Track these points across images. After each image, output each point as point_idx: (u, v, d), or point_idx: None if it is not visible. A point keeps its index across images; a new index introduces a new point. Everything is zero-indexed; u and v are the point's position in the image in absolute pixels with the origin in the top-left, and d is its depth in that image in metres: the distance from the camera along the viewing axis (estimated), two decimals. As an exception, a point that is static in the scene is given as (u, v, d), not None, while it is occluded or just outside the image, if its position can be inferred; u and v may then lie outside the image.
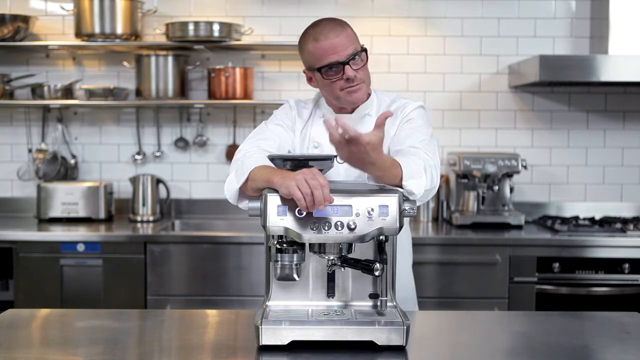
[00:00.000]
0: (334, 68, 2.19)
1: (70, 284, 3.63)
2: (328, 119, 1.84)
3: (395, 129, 2.24)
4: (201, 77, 4.26)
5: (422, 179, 1.97)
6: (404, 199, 1.87)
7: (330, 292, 1.96)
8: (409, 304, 2.38)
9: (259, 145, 2.19)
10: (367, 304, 1.96)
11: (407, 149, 2.09)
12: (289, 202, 1.81)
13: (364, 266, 1.84)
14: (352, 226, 1.80)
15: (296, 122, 2.33)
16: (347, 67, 2.18)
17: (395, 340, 1.82)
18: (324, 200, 1.76)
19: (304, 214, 1.79)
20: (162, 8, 4.19)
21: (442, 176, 3.83)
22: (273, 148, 2.21)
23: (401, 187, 1.93)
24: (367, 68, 2.26)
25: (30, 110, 4.27)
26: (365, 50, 2.24)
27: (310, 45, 2.22)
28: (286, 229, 1.81)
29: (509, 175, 4.00)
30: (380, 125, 1.82)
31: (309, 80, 2.31)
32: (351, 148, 1.80)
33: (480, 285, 3.60)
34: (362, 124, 2.26)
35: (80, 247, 3.62)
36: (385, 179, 1.93)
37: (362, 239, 1.81)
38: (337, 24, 2.23)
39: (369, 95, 2.33)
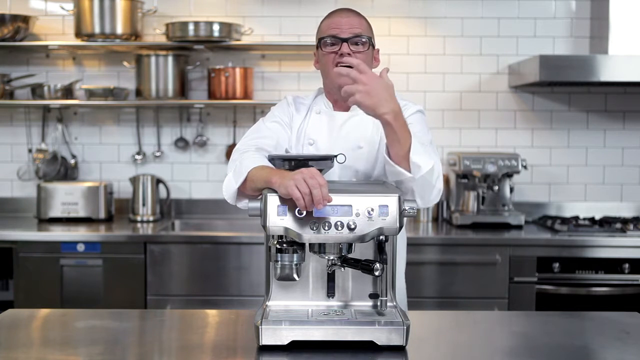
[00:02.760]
0: (333, 42, 2.22)
1: (70, 284, 3.63)
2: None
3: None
4: (201, 77, 4.26)
5: (429, 160, 1.98)
6: (405, 199, 1.87)
7: (330, 292, 1.96)
8: (401, 305, 2.37)
9: (256, 144, 2.18)
10: (367, 304, 1.96)
11: None
12: (288, 202, 1.80)
13: (364, 266, 1.84)
14: (352, 226, 1.80)
15: (294, 118, 2.33)
16: (344, 43, 2.21)
17: (395, 340, 1.82)
18: (322, 200, 1.76)
19: (304, 213, 1.79)
20: (162, 8, 4.18)
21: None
22: (270, 147, 2.20)
23: (408, 160, 1.95)
24: (368, 61, 2.23)
25: (30, 110, 4.27)
26: (371, 41, 2.25)
27: (323, 23, 2.28)
28: (286, 229, 1.81)
29: (509, 175, 4.00)
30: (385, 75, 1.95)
31: (315, 62, 2.33)
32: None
33: (480, 285, 3.59)
34: (359, 121, 2.24)
35: (80, 247, 3.62)
36: (397, 141, 1.95)
37: (362, 239, 1.81)
38: (353, 11, 2.30)
39: None
